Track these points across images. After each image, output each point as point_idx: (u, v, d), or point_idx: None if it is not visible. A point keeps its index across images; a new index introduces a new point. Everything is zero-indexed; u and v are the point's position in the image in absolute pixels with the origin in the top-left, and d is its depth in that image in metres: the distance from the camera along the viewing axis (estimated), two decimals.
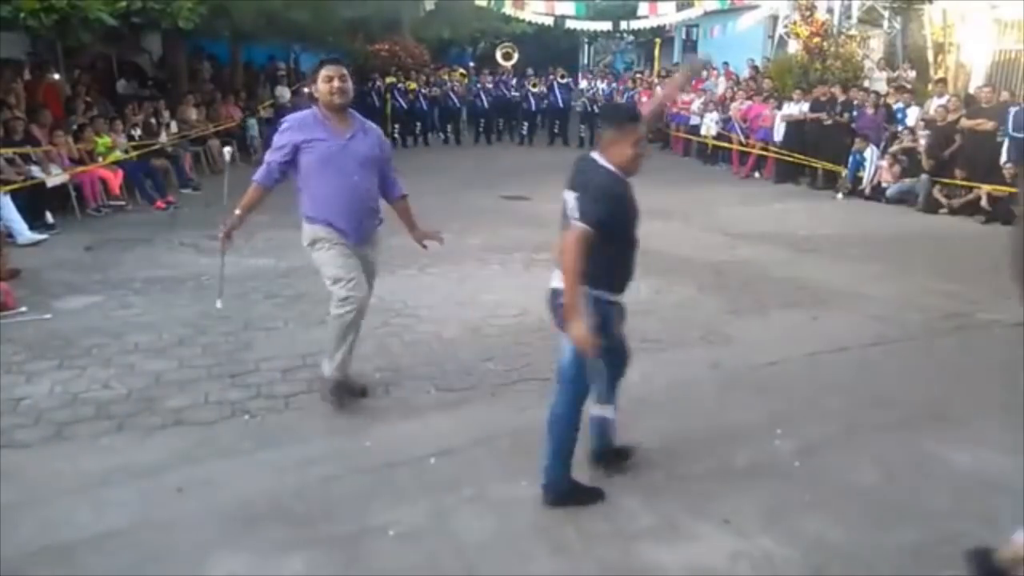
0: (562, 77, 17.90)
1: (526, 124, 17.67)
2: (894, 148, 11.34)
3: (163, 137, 11.23)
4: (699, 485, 3.36)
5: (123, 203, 9.67)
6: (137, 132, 10.88)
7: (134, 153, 10.30)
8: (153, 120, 11.49)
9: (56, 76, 11.62)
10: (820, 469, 3.53)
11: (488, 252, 7.47)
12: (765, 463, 3.58)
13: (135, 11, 9.68)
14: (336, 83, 3.82)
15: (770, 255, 7.61)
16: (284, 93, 15.50)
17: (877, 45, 15.70)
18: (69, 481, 3.33)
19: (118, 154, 9.95)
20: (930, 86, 12.93)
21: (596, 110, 17.23)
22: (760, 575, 2.80)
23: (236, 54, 16.36)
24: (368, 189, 3.92)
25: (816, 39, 14.61)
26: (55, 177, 8.74)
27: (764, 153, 13.21)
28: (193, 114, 12.49)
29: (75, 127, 9.87)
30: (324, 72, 3.83)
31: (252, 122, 14.20)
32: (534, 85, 17.54)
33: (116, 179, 9.67)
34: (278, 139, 3.84)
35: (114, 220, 9.05)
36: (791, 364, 4.81)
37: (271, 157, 3.84)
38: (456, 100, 17.59)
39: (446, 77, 18.28)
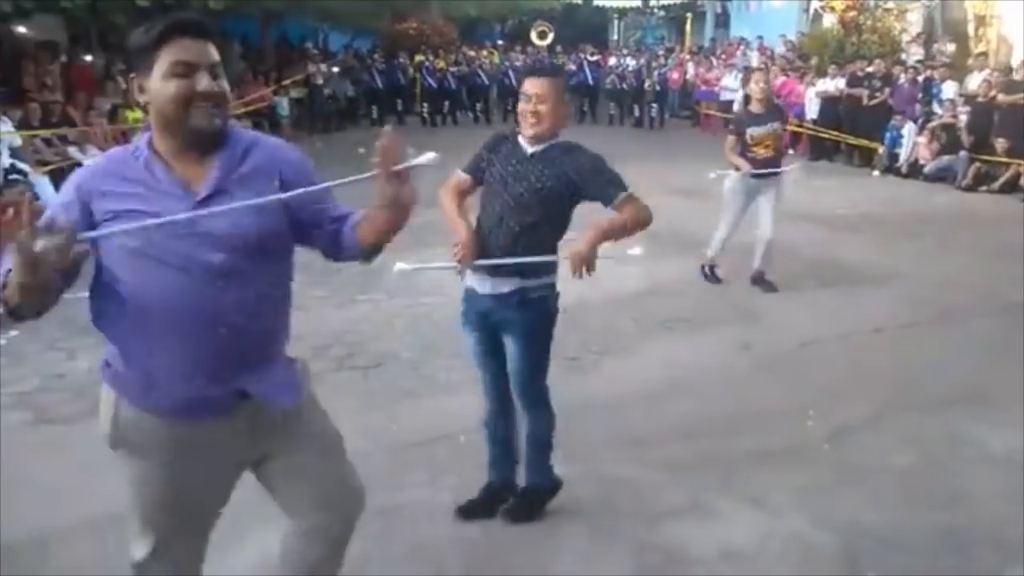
0: (591, 55, 17.73)
1: None
2: (933, 124, 11.09)
3: None
4: (728, 465, 3.35)
5: None
6: None
7: None
8: None
9: (89, 58, 11.78)
10: (853, 451, 3.50)
11: None
12: (796, 444, 3.55)
13: None
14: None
15: (804, 234, 7.49)
16: (318, 71, 15.34)
17: (915, 18, 15.29)
18: (109, 455, 3.40)
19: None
20: (970, 60, 12.59)
21: (625, 88, 17.09)
22: (790, 557, 2.79)
23: (265, 34, 16.43)
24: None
25: (852, 13, 14.28)
26: (92, 158, 8.89)
27: (798, 130, 12.98)
28: None
29: (109, 107, 10.00)
30: None
31: (282, 100, 14.25)
32: (562, 63, 17.39)
33: None
34: None
35: None
36: (824, 345, 4.76)
37: None
38: (485, 78, 17.50)
39: (475, 55, 18.18)
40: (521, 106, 2.66)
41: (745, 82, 5.52)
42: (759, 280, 5.81)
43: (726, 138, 5.88)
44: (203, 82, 1.58)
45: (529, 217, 2.57)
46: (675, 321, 5.05)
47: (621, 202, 2.57)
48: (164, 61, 1.57)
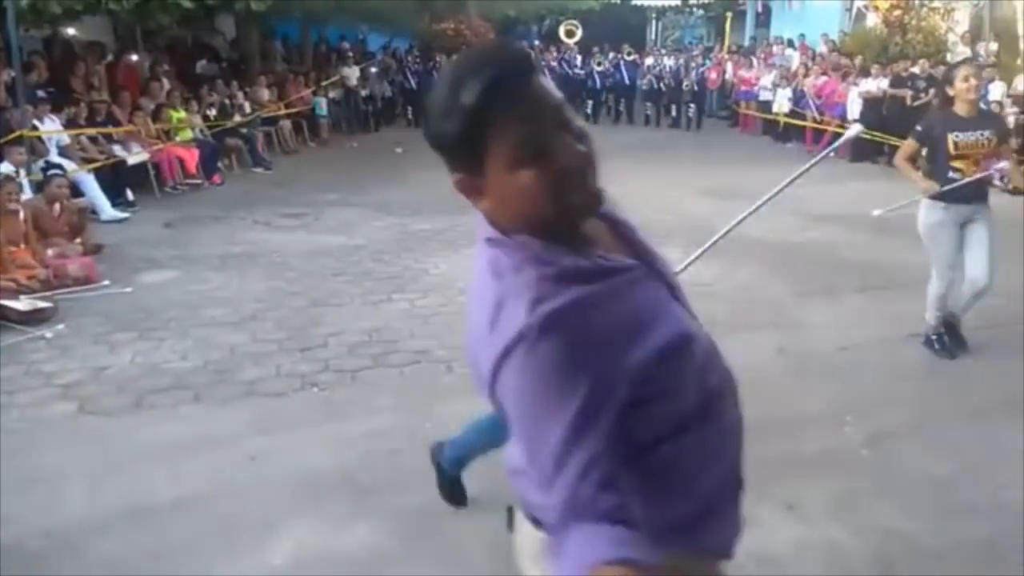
0: (628, 54, 17.65)
1: (591, 102, 17.48)
2: None
3: (237, 118, 11.49)
4: (762, 470, 3.25)
5: (199, 182, 9.94)
6: (212, 112, 11.19)
7: (209, 133, 10.63)
8: (227, 101, 11.77)
9: (134, 58, 12.04)
10: (891, 458, 3.43)
11: None
12: (833, 450, 3.50)
13: None
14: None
15: (844, 237, 7.39)
16: (352, 73, 15.49)
17: (962, 17, 14.93)
18: (149, 447, 3.49)
19: (189, 132, 10.27)
20: (1019, 60, 12.26)
21: (663, 88, 16.97)
22: (825, 564, 2.75)
23: (306, 35, 16.64)
24: None
25: (896, 11, 14.00)
26: (135, 156, 9.09)
27: (840, 131, 12.75)
28: (265, 94, 12.72)
29: (153, 107, 10.22)
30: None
31: (320, 100, 14.39)
32: (599, 63, 17.33)
33: (192, 158, 10.00)
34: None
35: (191, 198, 9.36)
36: (862, 350, 4.68)
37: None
38: None
39: None
40: None
41: (947, 79, 4.30)
42: (950, 329, 4.62)
43: (902, 146, 4.63)
44: (568, 154, 1.04)
45: None
46: (707, 323, 4.98)
47: None
48: (499, 152, 1.03)
